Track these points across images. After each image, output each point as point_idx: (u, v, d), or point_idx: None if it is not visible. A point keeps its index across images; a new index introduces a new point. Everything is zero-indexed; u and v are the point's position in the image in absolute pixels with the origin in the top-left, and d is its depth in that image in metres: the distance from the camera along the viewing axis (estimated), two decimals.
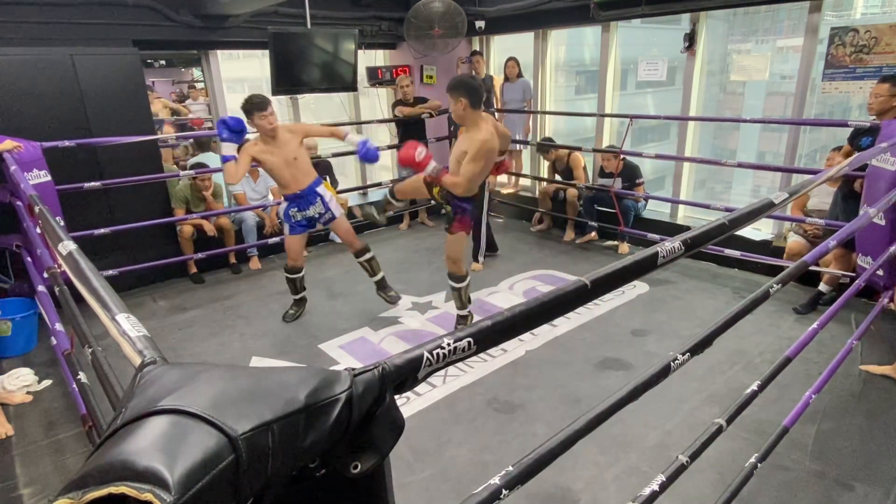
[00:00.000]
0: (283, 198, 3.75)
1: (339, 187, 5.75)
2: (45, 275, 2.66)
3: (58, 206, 3.78)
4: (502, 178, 6.65)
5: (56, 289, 2.34)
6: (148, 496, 0.42)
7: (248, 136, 3.60)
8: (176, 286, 4.75)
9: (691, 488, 2.23)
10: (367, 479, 0.65)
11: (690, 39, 4.69)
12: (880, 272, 3.10)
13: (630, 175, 5.08)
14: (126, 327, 0.89)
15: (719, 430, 1.68)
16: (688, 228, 1.35)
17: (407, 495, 2.30)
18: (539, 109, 6.07)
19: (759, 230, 4.67)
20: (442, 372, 1.69)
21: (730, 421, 1.74)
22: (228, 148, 3.41)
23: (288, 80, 5.02)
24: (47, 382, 3.24)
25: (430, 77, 6.39)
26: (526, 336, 3.46)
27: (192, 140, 6.80)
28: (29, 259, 3.57)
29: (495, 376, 3.19)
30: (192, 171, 4.72)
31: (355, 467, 0.62)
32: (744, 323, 1.58)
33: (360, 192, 6.31)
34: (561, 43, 6.53)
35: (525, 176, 6.36)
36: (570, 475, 2.35)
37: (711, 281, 4.44)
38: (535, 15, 5.51)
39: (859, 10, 5.22)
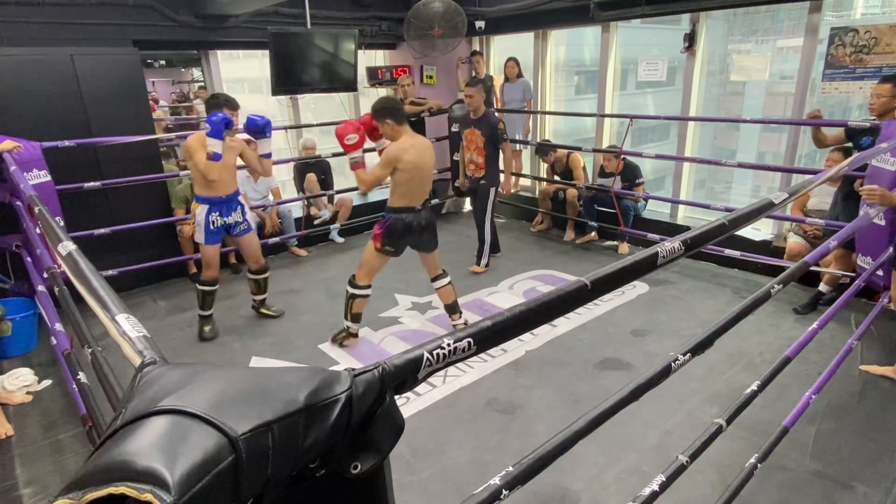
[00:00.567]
0: (198, 202, 3.57)
1: (339, 187, 5.75)
2: (45, 275, 2.67)
3: (58, 207, 3.78)
4: (501, 177, 6.64)
5: (56, 289, 2.34)
6: (148, 496, 0.42)
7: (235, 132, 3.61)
8: (176, 286, 4.75)
9: (691, 488, 2.23)
10: (367, 480, 0.65)
11: (690, 39, 4.69)
12: (880, 272, 3.10)
13: (630, 175, 5.08)
14: (126, 327, 0.89)
15: (719, 431, 1.68)
16: (688, 228, 1.35)
17: (407, 495, 2.30)
18: (539, 109, 6.07)
19: (758, 230, 4.67)
20: (442, 372, 1.70)
21: (730, 421, 1.74)
22: (265, 145, 3.64)
23: (288, 80, 5.01)
24: (47, 382, 3.24)
25: (430, 77, 6.38)
26: (526, 336, 3.46)
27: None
28: (29, 259, 3.57)
29: (495, 376, 3.19)
30: None
31: (355, 468, 0.62)
32: (744, 323, 1.58)
33: (360, 192, 6.30)
34: (561, 43, 6.53)
35: (525, 176, 6.36)
36: (570, 475, 2.35)
37: (711, 281, 4.44)
38: (535, 15, 5.51)
39: (859, 11, 5.22)
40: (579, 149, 5.57)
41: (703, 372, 3.08)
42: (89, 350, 1.82)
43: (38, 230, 2.74)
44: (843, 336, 3.15)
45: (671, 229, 4.87)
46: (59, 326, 2.71)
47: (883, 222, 3.10)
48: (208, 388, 0.54)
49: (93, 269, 1.15)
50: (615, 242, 5.27)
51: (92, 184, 3.98)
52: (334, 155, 5.71)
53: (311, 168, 5.52)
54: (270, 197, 5.28)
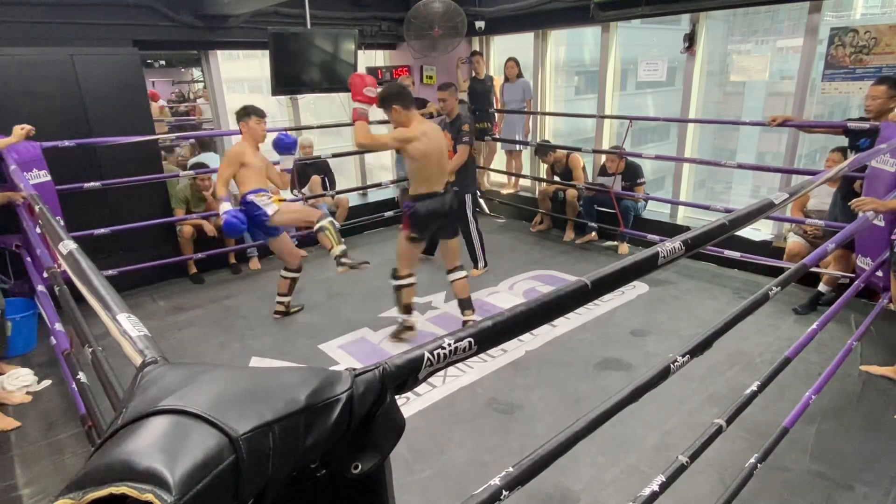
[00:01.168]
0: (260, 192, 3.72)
1: (339, 187, 5.75)
2: (45, 275, 2.66)
3: (57, 206, 3.78)
4: (502, 178, 6.65)
5: (56, 288, 2.33)
6: (149, 496, 0.42)
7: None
8: (176, 286, 4.75)
9: (691, 489, 2.23)
10: (367, 480, 0.65)
11: (690, 40, 4.69)
12: (879, 273, 3.10)
13: (632, 175, 5.08)
14: (127, 327, 0.89)
15: (719, 431, 1.69)
16: (688, 229, 1.35)
17: (407, 495, 2.30)
18: (539, 110, 6.07)
19: (758, 231, 4.67)
20: (442, 372, 1.70)
21: (730, 421, 1.74)
22: (288, 161, 3.92)
23: (288, 80, 5.01)
24: (47, 382, 3.24)
25: (430, 77, 6.39)
26: (526, 336, 3.46)
27: (193, 140, 6.82)
28: (28, 259, 3.57)
29: (495, 376, 3.19)
30: (192, 172, 4.73)
31: (356, 468, 0.62)
32: (743, 323, 1.58)
33: (360, 192, 6.31)
34: (561, 43, 6.53)
35: (525, 176, 6.36)
36: (570, 475, 2.35)
37: (711, 281, 4.44)
38: (535, 15, 5.51)
39: (859, 11, 5.22)
40: (579, 149, 5.57)
41: (702, 372, 3.08)
42: (89, 350, 1.82)
43: (38, 230, 2.74)
44: (842, 336, 3.15)
45: (671, 230, 4.87)
46: (59, 326, 2.71)
47: (882, 223, 3.11)
48: (209, 387, 0.54)
49: (94, 268, 1.15)
50: (615, 243, 5.27)
51: (92, 184, 3.98)
52: (334, 155, 5.72)
53: (309, 167, 5.52)
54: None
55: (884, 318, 3.40)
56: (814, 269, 3.47)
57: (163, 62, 9.24)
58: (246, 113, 3.70)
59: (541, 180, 6.06)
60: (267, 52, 4.82)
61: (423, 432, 2.70)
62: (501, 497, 0.98)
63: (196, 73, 9.27)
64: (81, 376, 2.35)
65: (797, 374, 2.95)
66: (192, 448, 0.46)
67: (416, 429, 2.70)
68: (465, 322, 3.69)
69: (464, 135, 4.42)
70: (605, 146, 5.44)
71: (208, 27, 4.79)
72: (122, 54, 4.33)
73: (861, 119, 3.54)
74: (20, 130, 3.37)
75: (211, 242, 4.81)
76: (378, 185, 6.01)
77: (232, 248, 4.98)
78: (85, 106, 4.17)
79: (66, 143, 3.84)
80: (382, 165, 7.42)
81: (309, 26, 5.02)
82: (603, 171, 5.25)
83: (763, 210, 1.36)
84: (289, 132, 4.24)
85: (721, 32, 6.62)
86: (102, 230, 4.08)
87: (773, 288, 1.66)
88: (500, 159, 6.59)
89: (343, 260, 3.69)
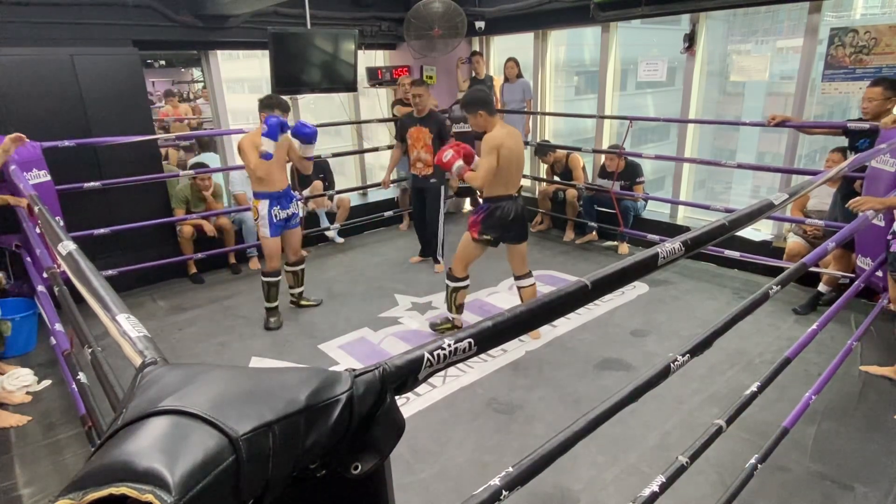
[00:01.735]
0: (258, 198, 3.69)
1: (339, 187, 5.75)
2: (45, 275, 2.66)
3: (57, 206, 3.78)
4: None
5: (56, 289, 2.33)
6: (149, 497, 0.42)
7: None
8: (176, 286, 4.75)
9: (691, 489, 2.23)
10: (367, 480, 0.65)
11: (690, 40, 4.69)
12: (879, 273, 3.10)
13: (631, 174, 5.08)
14: (126, 327, 0.89)
15: (719, 431, 1.69)
16: (688, 229, 1.35)
17: (407, 495, 2.30)
18: (539, 110, 6.07)
19: (758, 231, 4.67)
20: (442, 372, 1.70)
21: (730, 421, 1.74)
22: (309, 150, 3.70)
23: (288, 80, 5.01)
24: (47, 382, 3.24)
25: (430, 77, 6.38)
26: (526, 336, 3.46)
27: (193, 140, 6.82)
28: (28, 259, 3.57)
29: (495, 376, 3.19)
30: (192, 172, 4.72)
31: (356, 468, 0.62)
32: (743, 323, 1.58)
33: (360, 192, 6.31)
34: (561, 43, 6.53)
35: (525, 176, 6.34)
36: (569, 476, 2.35)
37: (711, 281, 4.44)
38: (535, 15, 5.51)
39: (859, 11, 5.22)
40: (579, 149, 5.57)
41: (702, 372, 3.08)
42: (89, 350, 1.82)
43: (37, 230, 2.74)
44: (842, 336, 3.15)
45: (671, 230, 4.87)
46: (58, 326, 2.71)
47: (882, 223, 3.11)
48: (209, 388, 0.54)
49: (93, 268, 1.14)
50: (615, 243, 5.27)
51: (92, 184, 3.98)
52: (334, 155, 5.72)
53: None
54: None
55: (884, 319, 3.40)
56: (814, 269, 3.47)
57: (163, 62, 9.24)
58: (270, 105, 3.56)
59: (541, 180, 6.07)
60: (267, 52, 4.82)
61: (423, 432, 2.70)
62: (501, 497, 0.98)
63: (196, 73, 9.27)
64: (81, 376, 2.35)
65: (797, 375, 2.95)
66: (192, 448, 0.46)
67: (416, 429, 2.70)
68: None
69: (449, 130, 4.67)
70: (605, 146, 5.44)
71: (208, 27, 4.79)
72: (122, 54, 4.33)
73: (860, 120, 3.54)
74: (10, 142, 3.15)
75: (211, 242, 4.81)
76: (378, 185, 6.01)
77: (232, 248, 4.98)
78: (85, 106, 4.17)
79: (66, 143, 3.84)
80: (382, 165, 7.41)
81: (309, 26, 5.02)
82: (603, 172, 5.25)
83: (763, 210, 1.36)
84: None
85: (721, 32, 6.61)
86: (102, 230, 4.07)
87: (773, 287, 1.66)
88: None
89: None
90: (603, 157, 5.28)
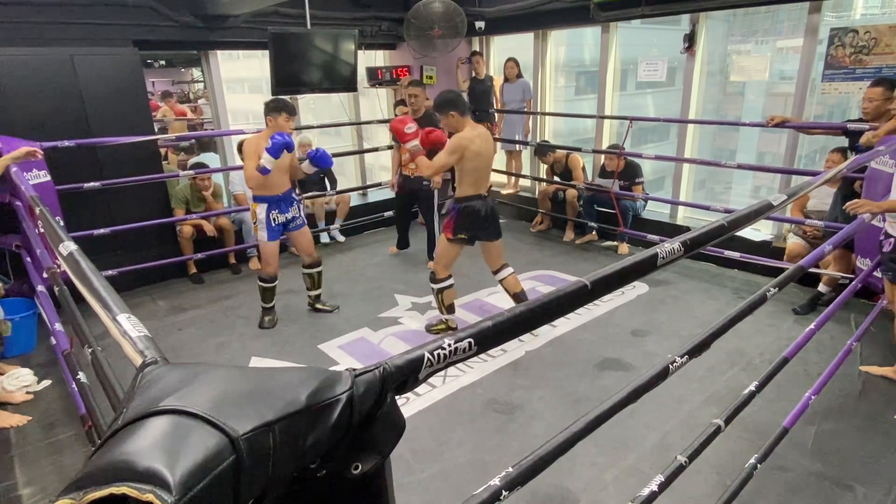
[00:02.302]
0: (257, 202, 3.66)
1: (339, 187, 5.75)
2: (45, 275, 2.66)
3: (57, 207, 3.79)
4: (502, 178, 6.65)
5: (56, 289, 2.34)
6: (149, 496, 0.42)
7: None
8: (176, 286, 4.75)
9: (691, 489, 2.23)
10: (367, 480, 0.65)
11: (690, 40, 4.69)
12: (878, 273, 3.10)
13: (631, 174, 5.08)
14: (127, 327, 0.90)
15: (718, 431, 1.69)
16: (687, 229, 1.35)
17: (407, 495, 2.30)
18: (539, 110, 6.07)
19: (758, 231, 4.67)
20: (442, 372, 1.70)
21: (728, 421, 1.74)
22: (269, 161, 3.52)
23: (288, 80, 5.01)
24: (47, 382, 3.24)
25: (430, 77, 6.38)
26: (526, 336, 3.46)
27: (193, 140, 6.82)
28: (28, 259, 3.57)
29: (495, 376, 3.19)
30: (192, 172, 4.73)
31: (356, 468, 0.62)
32: (743, 324, 1.58)
33: (360, 192, 6.31)
34: (561, 43, 6.53)
35: (524, 177, 6.36)
36: (569, 476, 2.35)
37: (711, 281, 4.44)
38: (535, 15, 5.51)
39: (859, 11, 5.22)
40: (579, 149, 5.57)
41: (702, 372, 3.08)
42: (89, 350, 1.82)
43: (38, 230, 2.74)
44: (842, 336, 3.16)
45: (671, 230, 4.87)
46: (58, 326, 2.71)
47: (882, 224, 3.10)
48: (209, 388, 0.54)
49: (94, 268, 1.15)
50: (615, 243, 5.27)
51: (92, 184, 3.98)
52: (335, 155, 5.71)
53: None
54: None
55: (883, 319, 3.40)
56: (813, 270, 3.47)
57: (163, 62, 9.24)
58: (277, 108, 3.52)
59: (541, 180, 6.07)
60: (267, 52, 4.82)
61: (423, 432, 2.70)
62: (501, 497, 0.98)
63: (196, 73, 9.27)
64: (81, 376, 2.35)
65: (797, 375, 2.96)
66: (193, 448, 0.46)
67: (416, 429, 2.70)
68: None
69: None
70: (605, 146, 5.44)
71: (208, 27, 4.79)
72: (122, 54, 4.33)
73: (860, 120, 3.54)
74: (23, 153, 3.02)
75: (211, 242, 4.81)
76: (378, 185, 6.02)
77: (232, 249, 4.98)
78: (85, 106, 4.17)
79: (66, 143, 3.84)
80: (382, 165, 7.42)
81: (309, 26, 5.02)
82: (603, 172, 5.25)
83: (762, 211, 1.36)
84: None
85: (721, 32, 6.62)
86: (102, 230, 4.07)
87: (771, 289, 1.66)
88: (499, 159, 6.58)
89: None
90: (603, 157, 5.28)
